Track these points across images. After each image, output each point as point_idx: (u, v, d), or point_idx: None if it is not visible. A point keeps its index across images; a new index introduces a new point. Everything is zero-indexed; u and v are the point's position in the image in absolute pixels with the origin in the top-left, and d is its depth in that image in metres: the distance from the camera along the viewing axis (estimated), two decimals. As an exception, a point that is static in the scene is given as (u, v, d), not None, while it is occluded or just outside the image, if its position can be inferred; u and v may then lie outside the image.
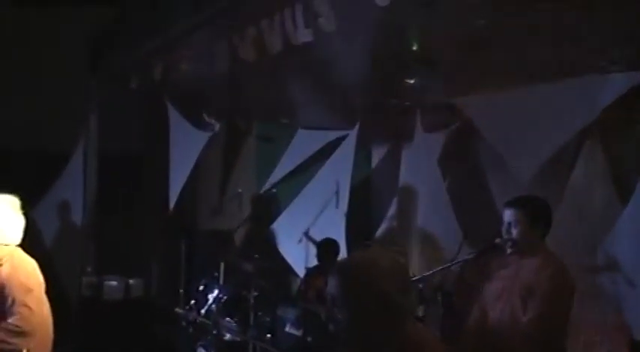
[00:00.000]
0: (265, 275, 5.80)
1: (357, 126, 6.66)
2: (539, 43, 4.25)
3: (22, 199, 3.88)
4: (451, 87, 5.50)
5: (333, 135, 7.04)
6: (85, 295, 7.28)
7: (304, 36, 4.28)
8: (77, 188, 7.71)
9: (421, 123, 6.28)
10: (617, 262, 4.71)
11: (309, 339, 4.99)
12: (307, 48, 4.40)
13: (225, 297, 5.72)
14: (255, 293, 5.50)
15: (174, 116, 7.40)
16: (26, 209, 3.91)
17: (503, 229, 3.76)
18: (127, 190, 8.10)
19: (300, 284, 6.73)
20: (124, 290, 7.30)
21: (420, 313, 4.60)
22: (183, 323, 5.80)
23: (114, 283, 7.27)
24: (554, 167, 4.95)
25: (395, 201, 6.72)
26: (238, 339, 5.43)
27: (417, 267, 6.19)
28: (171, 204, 7.40)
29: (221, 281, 5.87)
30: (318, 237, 6.53)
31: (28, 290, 3.62)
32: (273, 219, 7.61)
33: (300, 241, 6.87)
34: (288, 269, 7.25)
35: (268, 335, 5.28)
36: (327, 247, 6.21)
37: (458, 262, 4.55)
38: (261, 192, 7.79)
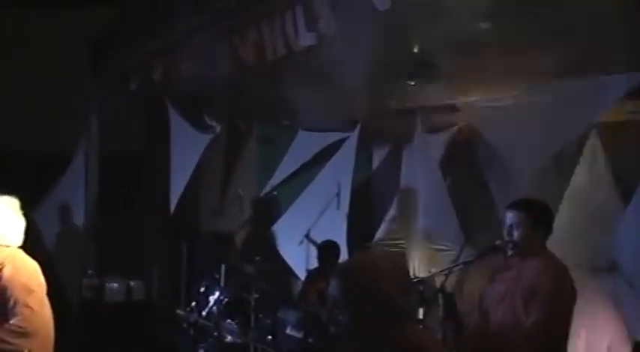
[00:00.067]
0: (266, 277, 5.80)
1: (357, 128, 6.66)
2: (540, 44, 4.26)
3: (22, 201, 3.88)
4: (452, 89, 5.51)
5: (334, 136, 7.04)
6: (86, 297, 7.29)
7: (305, 39, 4.29)
8: (78, 190, 7.72)
9: (422, 125, 6.28)
10: (618, 263, 4.71)
11: (310, 341, 4.99)
12: (308, 50, 4.41)
13: (226, 299, 5.72)
14: (256, 295, 5.50)
15: (174, 118, 7.41)
16: (26, 210, 3.91)
17: (505, 231, 3.77)
18: (127, 192, 8.10)
19: (301, 286, 6.73)
20: (125, 292, 7.31)
21: (421, 315, 4.60)
22: (184, 325, 5.80)
23: (115, 285, 7.28)
24: (555, 169, 4.95)
25: (395, 202, 6.72)
26: (239, 341, 5.43)
27: (417, 269, 6.21)
28: (172, 206, 7.41)
29: (222, 283, 5.87)
30: (319, 239, 6.53)
31: (30, 292, 3.62)
32: (274, 220, 7.61)
33: (301, 243, 6.87)
34: (289, 272, 7.25)
35: (269, 337, 5.28)
36: (327, 249, 6.21)
37: (459, 264, 4.56)
38: (262, 194, 7.79)
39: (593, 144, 4.91)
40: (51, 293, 3.80)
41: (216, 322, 5.48)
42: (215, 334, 5.44)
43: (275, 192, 7.69)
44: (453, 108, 5.78)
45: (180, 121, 7.42)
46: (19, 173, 7.10)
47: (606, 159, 4.86)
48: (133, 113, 7.85)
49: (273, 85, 5.90)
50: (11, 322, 3.55)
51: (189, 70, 6.01)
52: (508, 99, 5.11)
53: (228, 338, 5.48)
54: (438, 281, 4.91)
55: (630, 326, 4.62)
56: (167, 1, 5.98)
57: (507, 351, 3.64)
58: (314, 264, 6.53)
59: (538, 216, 3.73)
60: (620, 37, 4.06)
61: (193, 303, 5.93)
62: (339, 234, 6.45)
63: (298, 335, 5.08)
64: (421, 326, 3.92)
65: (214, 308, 5.68)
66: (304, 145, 7.41)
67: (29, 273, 3.69)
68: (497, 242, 3.84)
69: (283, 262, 7.27)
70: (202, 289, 5.97)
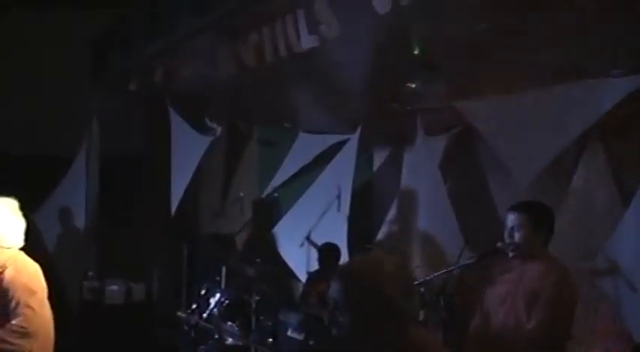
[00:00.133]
0: (267, 279, 5.80)
1: (358, 130, 6.66)
2: (540, 46, 4.26)
3: (22, 202, 3.88)
4: (452, 90, 5.51)
5: (334, 139, 7.05)
6: (87, 299, 7.29)
7: (306, 41, 4.29)
8: (79, 191, 7.72)
9: (422, 127, 6.28)
10: (619, 266, 4.71)
11: (311, 344, 4.99)
12: (309, 53, 4.41)
13: (227, 301, 5.72)
14: (257, 298, 5.50)
15: (175, 119, 7.41)
16: (26, 211, 3.91)
17: (506, 233, 3.76)
18: (128, 193, 8.11)
19: (302, 288, 6.73)
20: (126, 294, 7.31)
21: (421, 317, 4.60)
22: (185, 327, 5.79)
23: (115, 287, 7.28)
24: (556, 171, 4.95)
25: (396, 204, 6.72)
26: (240, 344, 5.43)
27: (418, 271, 6.20)
28: (173, 208, 7.41)
29: (223, 285, 5.88)
30: (320, 241, 6.53)
31: (32, 293, 3.64)
32: (274, 222, 7.61)
33: (301, 245, 6.87)
34: (290, 274, 7.25)
35: (270, 340, 5.28)
36: (328, 251, 6.21)
37: (459, 266, 4.56)
38: (263, 196, 7.80)
39: (593, 145, 4.91)
40: (52, 296, 3.80)
41: (216, 324, 5.47)
42: (216, 336, 5.43)
43: (276, 194, 7.69)
44: (453, 110, 5.77)
45: (180, 123, 7.42)
46: (19, 174, 7.11)
47: (606, 161, 4.86)
48: (134, 114, 7.86)
49: (274, 87, 5.90)
50: (13, 322, 3.57)
51: (190, 72, 6.01)
52: (509, 101, 5.11)
53: (229, 340, 5.48)
54: (439, 283, 4.91)
55: (630, 328, 4.61)
56: (168, 2, 5.99)
57: (509, 353, 3.65)
58: (315, 266, 6.53)
59: (540, 218, 3.73)
60: (621, 39, 4.07)
61: (194, 305, 5.93)
62: (340, 236, 6.45)
63: (299, 337, 5.07)
64: (423, 328, 3.91)
65: (215, 310, 5.68)
66: (305, 147, 7.42)
67: (30, 275, 3.71)
68: (498, 244, 3.84)
69: (284, 264, 7.27)
70: (203, 291, 5.97)
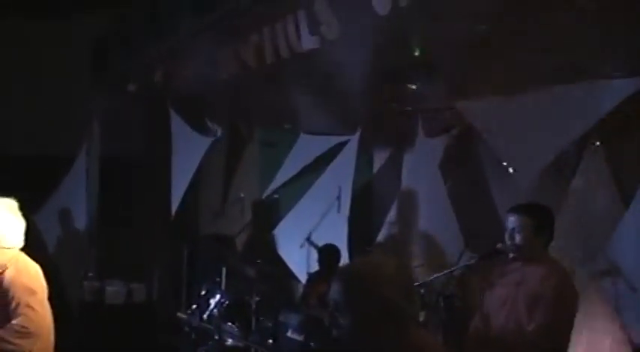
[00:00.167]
0: (267, 280, 5.79)
1: (358, 132, 6.67)
2: (541, 46, 4.26)
3: (23, 203, 3.88)
4: (452, 91, 5.51)
5: (334, 140, 7.04)
6: (87, 300, 7.29)
7: (307, 42, 4.29)
8: (79, 192, 7.73)
9: (422, 128, 6.27)
10: (619, 267, 4.71)
11: (311, 345, 4.98)
12: (309, 54, 4.41)
13: (227, 302, 5.71)
14: (257, 298, 5.49)
15: (176, 120, 7.41)
16: (26, 212, 3.91)
17: (506, 235, 3.76)
18: (128, 194, 8.11)
19: (302, 289, 6.73)
20: (126, 295, 7.31)
21: (422, 318, 4.60)
22: (185, 328, 5.79)
23: (115, 288, 7.28)
24: (556, 172, 4.95)
25: (396, 205, 6.72)
26: (240, 344, 5.42)
27: (418, 272, 6.19)
28: (174, 209, 7.41)
29: (223, 286, 5.87)
30: (320, 242, 6.54)
31: (33, 293, 3.64)
32: (275, 224, 7.61)
33: (302, 246, 6.87)
34: (290, 275, 7.25)
35: (270, 341, 5.27)
36: (328, 252, 6.22)
37: (460, 267, 4.55)
38: (263, 197, 7.79)
39: (593, 146, 4.91)
40: (52, 296, 3.81)
41: (217, 325, 5.47)
42: (216, 337, 5.43)
43: (276, 196, 7.69)
44: (453, 111, 5.78)
45: (181, 124, 7.42)
46: (19, 174, 7.11)
47: (606, 161, 4.86)
48: (134, 115, 7.87)
49: (274, 88, 5.90)
50: (13, 322, 3.56)
51: (190, 72, 6.01)
52: (509, 102, 5.11)
53: (229, 341, 5.47)
54: (439, 285, 4.91)
55: (631, 329, 4.61)
56: (168, 2, 5.99)
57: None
58: (315, 267, 6.53)
59: (540, 220, 3.73)
60: (621, 40, 4.06)
61: (194, 306, 5.92)
62: (340, 237, 6.45)
63: (299, 338, 5.07)
64: (424, 330, 3.91)
65: (215, 311, 5.68)
66: (305, 148, 7.41)
67: (31, 275, 3.71)
68: (499, 245, 3.84)
69: (284, 265, 7.27)
70: (203, 292, 5.97)
